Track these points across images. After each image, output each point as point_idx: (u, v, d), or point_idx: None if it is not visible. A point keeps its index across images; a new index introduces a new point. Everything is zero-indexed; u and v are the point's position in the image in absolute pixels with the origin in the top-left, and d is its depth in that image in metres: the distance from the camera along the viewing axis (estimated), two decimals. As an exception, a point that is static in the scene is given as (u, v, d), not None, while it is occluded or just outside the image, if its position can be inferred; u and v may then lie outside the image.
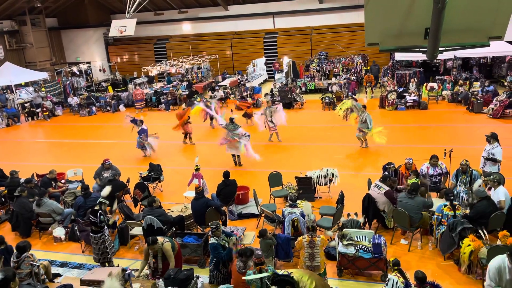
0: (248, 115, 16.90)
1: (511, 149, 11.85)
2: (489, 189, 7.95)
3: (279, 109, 14.43)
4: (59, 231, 8.92)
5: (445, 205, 7.51)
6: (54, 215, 9.02)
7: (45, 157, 14.94)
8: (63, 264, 8.03)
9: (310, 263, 6.31)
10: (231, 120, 12.19)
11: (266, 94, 20.10)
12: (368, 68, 23.28)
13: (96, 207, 7.44)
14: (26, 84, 23.88)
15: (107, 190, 7.90)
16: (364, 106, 13.07)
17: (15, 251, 6.63)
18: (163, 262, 6.70)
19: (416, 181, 8.52)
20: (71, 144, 16.28)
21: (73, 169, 11.66)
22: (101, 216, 7.34)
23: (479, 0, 4.26)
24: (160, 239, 6.69)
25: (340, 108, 13.42)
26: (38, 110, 20.96)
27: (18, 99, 21.89)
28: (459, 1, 4.24)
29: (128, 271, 6.60)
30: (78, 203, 8.96)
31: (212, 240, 6.52)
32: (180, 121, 14.63)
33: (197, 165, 9.93)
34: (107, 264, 7.51)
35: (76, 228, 8.71)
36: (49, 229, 9.08)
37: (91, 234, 7.46)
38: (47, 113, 20.72)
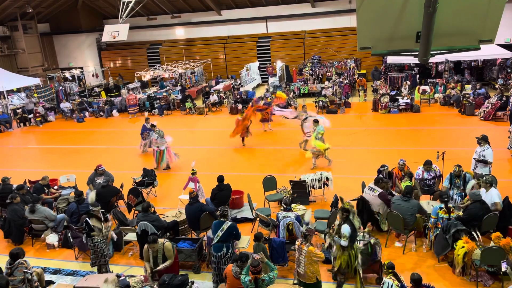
0: (265, 120, 16.46)
1: (502, 151, 11.98)
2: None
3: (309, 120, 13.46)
4: (52, 238, 8.84)
5: (440, 208, 7.56)
6: (47, 221, 8.94)
7: (37, 163, 14.83)
8: (56, 271, 7.95)
9: (297, 268, 6.30)
10: (153, 125, 13.22)
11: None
12: (364, 71, 23.44)
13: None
14: (18, 90, 23.73)
15: (92, 195, 7.89)
16: (316, 121, 12.28)
17: (8, 258, 6.57)
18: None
19: (410, 183, 8.56)
20: (63, 150, 16.18)
21: (66, 175, 11.58)
22: (84, 225, 7.38)
23: (470, 5, 4.32)
24: (160, 239, 6.70)
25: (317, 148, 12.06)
26: (30, 116, 20.82)
27: (10, 105, 21.72)
28: (449, 5, 4.29)
29: (122, 277, 6.57)
30: (71, 209, 8.89)
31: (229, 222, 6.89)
32: (242, 125, 14.49)
33: (193, 169, 9.92)
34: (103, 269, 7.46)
35: (69, 234, 8.64)
36: (42, 236, 8.99)
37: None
38: (40, 118, 20.59)
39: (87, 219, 7.39)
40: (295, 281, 6.46)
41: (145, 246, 6.79)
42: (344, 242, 6.28)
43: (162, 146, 12.63)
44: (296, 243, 6.40)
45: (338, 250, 6.57)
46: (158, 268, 6.68)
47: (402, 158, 9.47)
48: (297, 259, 6.25)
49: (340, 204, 7.05)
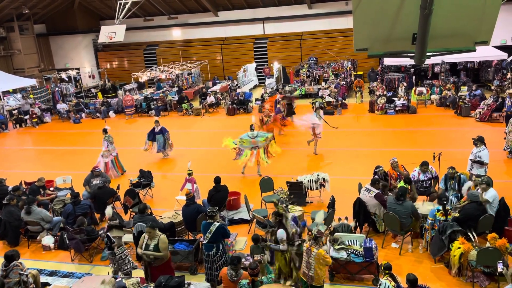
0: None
1: (498, 152, 12.02)
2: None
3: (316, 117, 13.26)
4: (48, 240, 8.80)
5: (438, 210, 7.57)
6: (43, 223, 8.90)
7: (33, 165, 14.77)
8: (52, 273, 7.92)
9: (307, 271, 6.24)
10: (105, 130, 12.89)
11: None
12: (361, 72, 23.48)
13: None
14: (14, 91, 23.63)
15: (109, 211, 7.84)
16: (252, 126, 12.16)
17: (3, 260, 6.53)
18: (153, 266, 6.75)
19: (405, 186, 8.56)
20: (60, 151, 16.12)
21: (62, 176, 11.53)
22: (105, 239, 7.29)
23: (465, 6, 4.33)
24: (159, 232, 6.80)
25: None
26: (26, 117, 20.74)
27: (6, 106, 21.64)
28: (445, 7, 4.30)
29: (119, 279, 6.55)
30: (67, 211, 8.87)
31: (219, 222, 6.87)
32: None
33: (189, 170, 9.90)
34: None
35: (65, 236, 8.60)
36: (38, 238, 8.95)
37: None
38: (36, 120, 20.51)
39: (108, 233, 7.27)
40: (292, 283, 6.43)
41: (143, 235, 6.84)
42: (283, 247, 6.32)
43: (114, 152, 12.65)
44: (305, 245, 6.36)
45: (276, 256, 6.58)
46: (147, 252, 6.65)
47: (398, 158, 9.48)
48: (306, 262, 6.21)
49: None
